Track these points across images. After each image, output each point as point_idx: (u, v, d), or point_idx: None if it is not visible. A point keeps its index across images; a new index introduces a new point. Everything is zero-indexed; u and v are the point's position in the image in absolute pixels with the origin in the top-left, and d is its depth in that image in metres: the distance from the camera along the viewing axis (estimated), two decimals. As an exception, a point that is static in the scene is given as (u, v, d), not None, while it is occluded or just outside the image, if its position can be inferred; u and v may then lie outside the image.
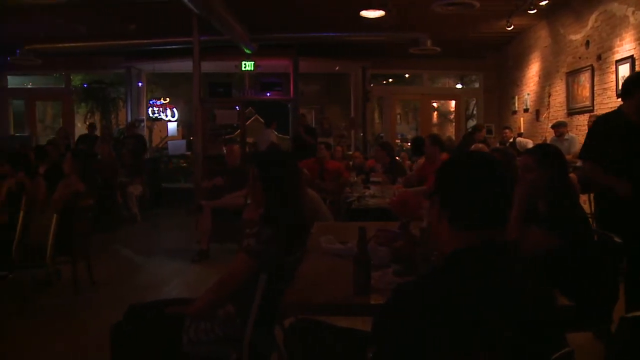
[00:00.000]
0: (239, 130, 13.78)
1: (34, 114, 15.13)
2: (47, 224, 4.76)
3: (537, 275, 1.46)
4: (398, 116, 17.39)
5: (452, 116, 17.42)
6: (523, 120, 11.73)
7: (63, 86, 14.94)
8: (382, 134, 15.24)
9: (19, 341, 4.20)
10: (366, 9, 9.24)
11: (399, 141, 15.61)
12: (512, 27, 10.25)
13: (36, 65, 12.49)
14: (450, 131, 16.80)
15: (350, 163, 9.75)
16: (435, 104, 17.58)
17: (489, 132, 12.70)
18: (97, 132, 12.38)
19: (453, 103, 16.25)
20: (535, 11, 9.27)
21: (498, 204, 1.43)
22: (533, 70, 11.46)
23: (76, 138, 12.87)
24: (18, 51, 11.93)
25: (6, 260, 4.53)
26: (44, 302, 5.20)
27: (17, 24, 10.38)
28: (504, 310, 1.30)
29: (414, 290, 1.39)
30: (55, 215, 4.74)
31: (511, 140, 10.61)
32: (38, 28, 10.93)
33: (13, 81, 15.01)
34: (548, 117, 10.42)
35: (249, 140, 13.41)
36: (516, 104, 12.40)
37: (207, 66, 11.07)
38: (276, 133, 12.69)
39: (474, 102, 16.03)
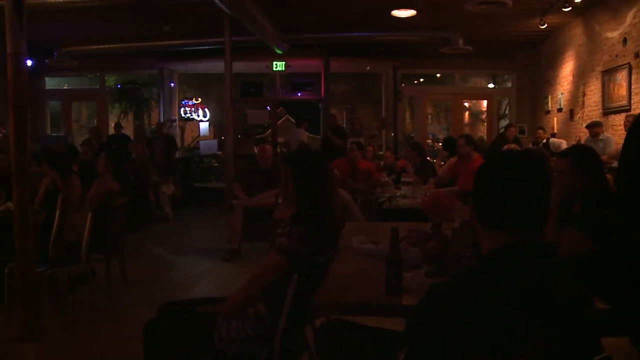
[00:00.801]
0: (270, 130, 13.85)
1: (70, 114, 15.42)
2: (81, 222, 4.85)
3: (573, 278, 1.43)
4: (429, 116, 17.28)
5: (484, 116, 17.22)
6: (557, 120, 11.56)
7: (97, 87, 15.20)
8: (413, 134, 15.16)
9: (53, 336, 4.29)
10: (397, 8, 9.20)
11: (430, 141, 15.50)
12: (546, 25, 10.11)
13: (72, 66, 12.74)
14: (482, 131, 16.62)
15: (381, 163, 9.71)
16: (466, 104, 17.41)
17: (522, 132, 12.55)
18: (124, 131, 12.54)
19: (485, 103, 16.08)
20: (569, 9, 9.11)
21: (530, 204, 1.41)
22: (567, 69, 11.28)
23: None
24: (55, 53, 12.19)
25: (44, 257, 4.62)
26: (78, 298, 5.29)
27: (53, 26, 10.58)
28: (537, 312, 1.28)
29: (447, 290, 1.38)
30: (90, 214, 4.82)
31: (544, 140, 10.47)
32: (74, 30, 11.14)
33: (50, 82, 15.32)
34: (582, 117, 10.25)
35: (280, 140, 13.46)
36: (549, 104, 12.22)
37: (239, 66, 11.13)
38: (307, 133, 12.69)
39: (506, 101, 15.84)
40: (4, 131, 11.67)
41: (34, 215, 4.69)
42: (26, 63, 4.28)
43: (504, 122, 15.46)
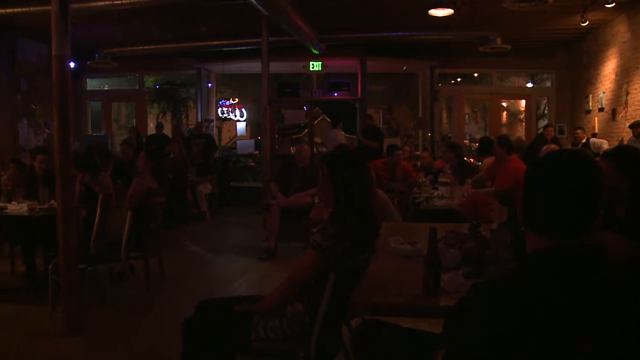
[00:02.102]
0: (306, 130, 13.89)
1: (110, 115, 15.71)
2: (121, 220, 4.93)
3: (620, 283, 1.39)
4: (466, 116, 17.08)
5: (522, 116, 16.99)
6: (598, 120, 11.33)
7: (137, 87, 15.45)
8: (450, 134, 15.03)
9: (95, 331, 4.38)
10: (434, 7, 9.13)
11: (467, 141, 15.34)
12: (587, 22, 9.89)
13: (112, 67, 12.99)
14: (520, 131, 16.40)
15: (418, 163, 9.66)
16: (504, 104, 17.19)
17: (561, 132, 12.34)
18: (165, 131, 12.72)
19: (523, 102, 15.86)
20: (613, 4, 8.90)
21: (562, 205, 1.37)
22: (609, 68, 11.03)
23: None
24: (96, 55, 12.45)
25: (85, 254, 4.73)
26: (118, 295, 5.39)
27: (95, 29, 10.79)
28: (581, 317, 1.26)
29: (486, 292, 1.37)
30: (129, 212, 4.91)
31: (583, 140, 10.27)
32: (114, 32, 11.34)
33: (91, 83, 15.62)
34: (625, 117, 10.01)
35: (317, 140, 13.48)
36: (590, 103, 11.97)
37: (276, 66, 11.20)
38: (344, 133, 12.67)
39: (545, 101, 15.58)
40: (48, 131, 11.98)
41: (76, 212, 4.81)
42: (70, 65, 4.37)
43: (542, 122, 15.20)
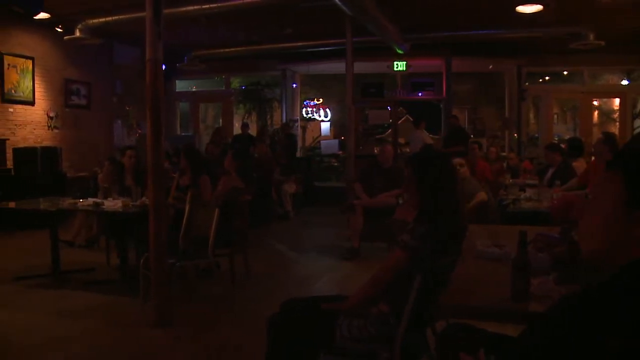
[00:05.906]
0: (390, 130, 13.82)
1: (198, 115, 16.20)
2: (209, 218, 5.08)
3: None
4: (555, 116, 16.48)
5: (615, 115, 16.20)
6: (701, 119, 10.66)
7: (223, 88, 15.86)
8: (537, 135, 14.56)
9: (182, 324, 4.54)
10: (523, 4, 8.87)
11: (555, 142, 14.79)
12: (692, 13, 9.27)
13: (200, 70, 13.41)
14: (613, 131, 15.61)
15: (504, 164, 9.42)
16: (596, 103, 16.44)
17: (660, 132, 11.68)
18: (250, 131, 12.98)
19: (617, 101, 15.12)
20: None
21: None
22: None
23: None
24: (186, 58, 12.89)
25: (174, 250, 4.91)
26: (205, 290, 5.56)
27: (184, 33, 11.17)
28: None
29: (581, 300, 1.30)
30: (216, 210, 5.05)
31: (687, 141, 9.68)
32: (202, 36, 11.70)
33: (180, 85, 16.16)
34: None
35: (401, 140, 13.39)
36: (694, 101, 11.27)
37: (359, 67, 11.19)
38: (429, 134, 12.49)
39: (643, 99, 14.80)
40: (140, 131, 12.51)
41: (167, 209, 4.99)
42: (162, 68, 4.54)
43: (639, 122, 14.45)
